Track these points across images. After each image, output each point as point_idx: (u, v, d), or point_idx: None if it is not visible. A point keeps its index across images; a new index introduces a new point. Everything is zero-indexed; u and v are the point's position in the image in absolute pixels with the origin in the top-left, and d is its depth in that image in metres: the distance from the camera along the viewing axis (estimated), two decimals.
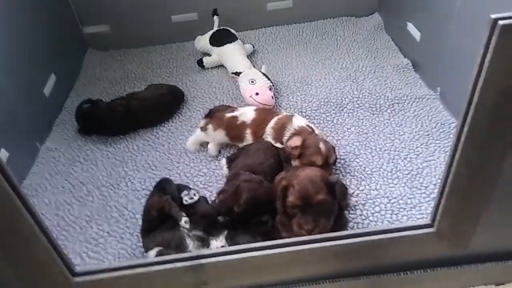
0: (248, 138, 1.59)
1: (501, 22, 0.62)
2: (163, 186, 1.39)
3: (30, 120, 1.71)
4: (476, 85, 0.69)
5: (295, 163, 1.43)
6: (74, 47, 2.27)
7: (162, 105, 1.84)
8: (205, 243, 1.21)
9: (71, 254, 1.31)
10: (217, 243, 1.20)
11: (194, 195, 1.32)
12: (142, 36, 2.35)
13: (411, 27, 1.93)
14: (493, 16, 0.63)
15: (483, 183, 0.84)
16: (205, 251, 1.06)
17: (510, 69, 0.67)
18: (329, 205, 1.08)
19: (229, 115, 1.62)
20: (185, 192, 1.33)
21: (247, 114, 1.62)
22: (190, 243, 1.19)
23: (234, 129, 1.60)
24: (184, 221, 1.22)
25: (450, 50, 1.62)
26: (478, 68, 0.68)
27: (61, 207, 1.48)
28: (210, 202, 1.39)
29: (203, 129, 1.63)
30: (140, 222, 1.36)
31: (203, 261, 0.97)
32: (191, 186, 1.50)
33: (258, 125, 1.58)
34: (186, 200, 1.30)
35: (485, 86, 0.68)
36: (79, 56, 2.30)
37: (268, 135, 1.55)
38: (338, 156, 1.53)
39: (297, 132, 1.48)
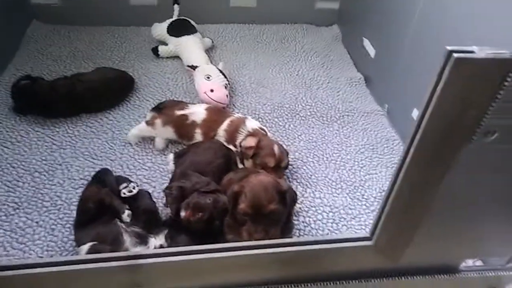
0: (198, 138, 1.55)
1: (455, 55, 0.65)
2: (102, 178, 1.32)
3: None
4: (426, 111, 0.72)
5: (248, 163, 1.43)
6: (16, 16, 2.08)
7: (110, 91, 1.75)
8: (143, 240, 1.15)
9: None
10: (156, 242, 1.15)
11: (134, 188, 1.26)
12: (95, 14, 2.22)
13: (367, 43, 2.00)
14: (449, 48, 0.66)
15: (421, 201, 0.89)
16: (144, 251, 1.02)
17: (459, 99, 0.70)
18: (280, 214, 1.08)
19: (179, 112, 1.56)
20: (124, 184, 1.26)
21: (198, 113, 1.57)
22: (127, 239, 1.13)
23: (183, 128, 1.55)
24: (126, 214, 1.16)
25: (400, 71, 1.70)
26: (430, 96, 0.70)
27: None
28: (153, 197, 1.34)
29: (149, 123, 1.56)
30: (74, 213, 1.28)
31: (141, 261, 0.93)
32: (133, 180, 1.44)
33: (209, 126, 1.54)
34: (124, 193, 1.24)
35: (434, 113, 0.71)
36: (21, 27, 2.11)
37: (221, 137, 1.53)
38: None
39: (251, 134, 1.47)
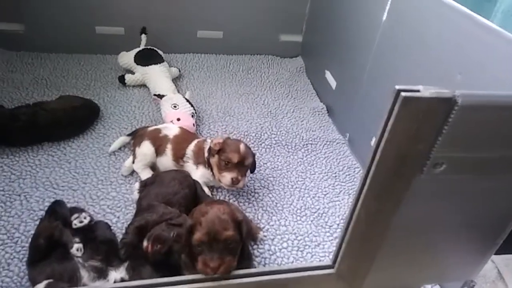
0: (168, 154, 1.57)
1: (403, 94, 0.70)
2: (54, 209, 1.28)
3: None
4: (379, 144, 0.77)
5: (213, 159, 1.47)
6: None
7: (74, 119, 1.72)
8: (102, 274, 1.11)
9: None
10: (117, 275, 1.12)
11: (85, 218, 1.23)
12: (60, 42, 2.20)
13: (328, 75, 2.10)
14: (397, 87, 0.72)
15: (378, 229, 0.93)
16: (104, 285, 0.99)
17: (408, 134, 0.76)
18: (236, 242, 1.07)
19: (152, 128, 1.66)
20: (75, 215, 1.24)
21: (170, 129, 1.64)
22: (85, 274, 1.09)
23: (157, 140, 1.59)
24: (75, 248, 1.12)
25: (359, 102, 1.79)
26: (382, 130, 0.76)
27: None
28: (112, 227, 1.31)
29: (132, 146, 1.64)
30: None
31: None
32: (96, 210, 1.42)
33: (179, 143, 1.58)
34: (75, 224, 1.21)
35: (386, 146, 0.76)
36: None
37: (189, 158, 1.56)
38: (253, 190, 1.58)
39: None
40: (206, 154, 1.52)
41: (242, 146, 1.47)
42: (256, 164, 1.70)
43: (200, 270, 0.99)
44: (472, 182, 0.89)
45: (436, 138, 0.78)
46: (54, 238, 1.14)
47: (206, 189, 1.50)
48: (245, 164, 1.47)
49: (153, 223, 1.20)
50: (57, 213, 1.25)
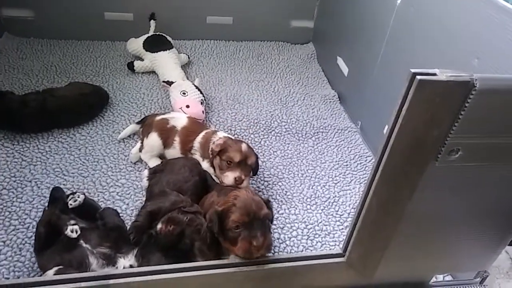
0: (177, 147, 1.55)
1: (418, 77, 0.68)
2: (54, 196, 1.28)
3: None
4: (392, 130, 0.74)
5: (216, 161, 1.44)
6: None
7: (83, 106, 1.72)
8: (111, 261, 1.11)
9: None
10: (125, 262, 1.11)
11: (78, 196, 1.21)
12: (69, 28, 2.19)
13: (340, 61, 2.05)
14: (413, 70, 0.69)
15: (390, 218, 0.91)
16: (114, 271, 0.99)
17: (423, 119, 0.73)
18: (271, 219, 1.11)
19: (159, 117, 1.63)
20: (70, 196, 1.22)
21: (178, 119, 1.61)
22: (94, 261, 1.09)
23: (165, 132, 1.57)
24: (70, 230, 1.11)
25: (372, 89, 1.75)
26: (396, 116, 0.73)
27: None
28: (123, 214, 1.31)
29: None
30: None
31: (111, 281, 0.91)
32: (106, 197, 1.42)
33: (187, 135, 1.56)
34: (71, 204, 1.19)
35: (400, 132, 0.74)
36: None
37: (196, 151, 1.53)
38: (262, 178, 1.56)
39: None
40: (210, 154, 1.48)
41: (243, 146, 1.42)
42: (266, 152, 1.69)
43: (242, 251, 1.00)
44: (488, 170, 0.86)
45: (452, 123, 0.75)
46: (52, 224, 1.14)
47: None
48: (247, 163, 1.41)
49: (166, 210, 1.20)
50: (56, 199, 1.26)
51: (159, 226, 1.15)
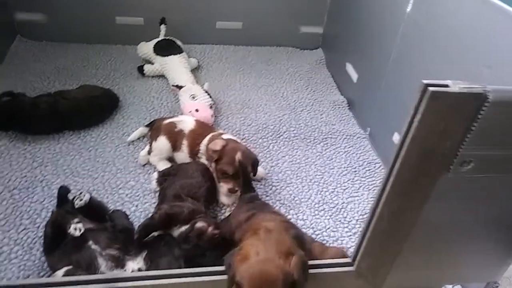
0: (185, 151, 1.56)
1: (431, 89, 0.68)
2: (62, 196, 1.29)
3: None
4: (404, 141, 0.74)
5: (214, 167, 1.44)
6: (0, 31, 2.07)
7: (94, 108, 1.74)
8: (119, 263, 1.12)
9: None
10: (134, 265, 1.12)
11: (84, 195, 1.21)
12: (81, 32, 2.22)
13: (349, 67, 2.05)
14: (425, 81, 0.69)
15: (401, 228, 0.91)
16: (123, 274, 1.00)
17: (435, 130, 0.73)
18: None
19: (166, 121, 1.62)
20: (76, 196, 1.22)
21: (186, 122, 1.61)
22: (102, 263, 1.10)
23: (173, 135, 1.57)
24: (73, 228, 1.12)
25: (381, 96, 1.74)
26: (408, 126, 0.73)
27: None
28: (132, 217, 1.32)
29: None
30: None
31: (120, 284, 0.91)
32: (115, 199, 1.43)
33: (195, 138, 1.56)
34: (76, 204, 1.20)
35: (412, 143, 0.74)
36: (4, 42, 2.10)
37: (203, 154, 1.53)
38: (270, 183, 1.56)
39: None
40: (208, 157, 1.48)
41: (238, 155, 1.38)
42: (275, 157, 1.69)
43: None
44: (499, 182, 0.86)
45: (465, 135, 0.75)
46: (57, 223, 1.16)
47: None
48: (244, 171, 1.38)
49: (185, 217, 1.20)
50: (64, 199, 1.27)
51: (200, 224, 1.15)
